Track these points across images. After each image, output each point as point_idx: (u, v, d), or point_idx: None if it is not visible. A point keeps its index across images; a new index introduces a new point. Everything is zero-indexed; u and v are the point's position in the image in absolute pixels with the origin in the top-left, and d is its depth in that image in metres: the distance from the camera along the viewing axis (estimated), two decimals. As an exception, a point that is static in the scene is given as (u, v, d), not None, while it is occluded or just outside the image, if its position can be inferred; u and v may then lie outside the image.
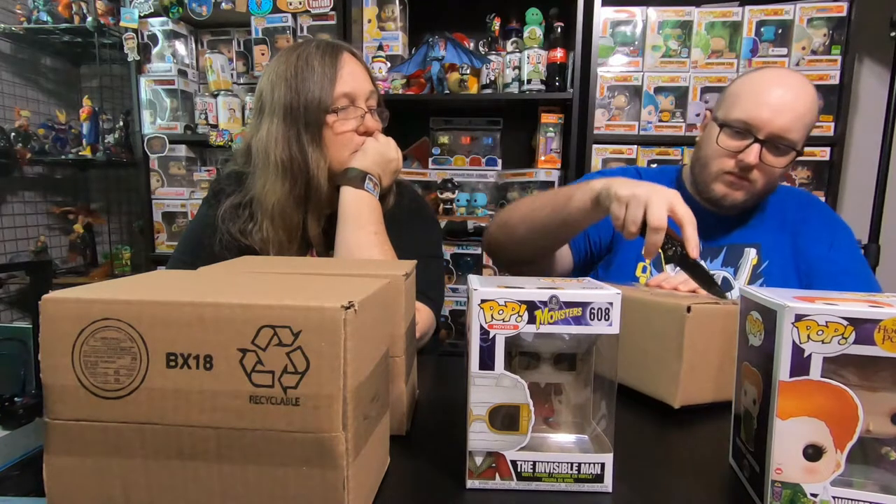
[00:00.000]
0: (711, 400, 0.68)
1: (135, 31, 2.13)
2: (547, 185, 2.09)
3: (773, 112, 0.96)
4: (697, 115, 1.91)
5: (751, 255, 1.06)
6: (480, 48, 2.17)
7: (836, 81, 1.85)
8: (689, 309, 0.64)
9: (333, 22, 2.05)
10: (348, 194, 0.91)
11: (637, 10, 1.92)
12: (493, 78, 2.09)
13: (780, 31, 1.87)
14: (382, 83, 2.03)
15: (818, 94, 1.03)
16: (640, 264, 1.09)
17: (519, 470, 0.48)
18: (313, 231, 0.95)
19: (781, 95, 0.96)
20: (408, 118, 2.21)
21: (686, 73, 1.92)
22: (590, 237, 1.14)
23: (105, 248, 2.54)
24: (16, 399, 0.71)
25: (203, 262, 0.62)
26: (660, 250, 0.75)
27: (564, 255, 1.12)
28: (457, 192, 2.12)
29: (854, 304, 0.42)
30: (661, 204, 0.73)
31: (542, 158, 2.11)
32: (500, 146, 2.27)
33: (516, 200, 1.17)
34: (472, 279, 0.50)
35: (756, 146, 0.97)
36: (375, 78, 1.14)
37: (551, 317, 0.46)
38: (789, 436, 0.43)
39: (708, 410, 0.68)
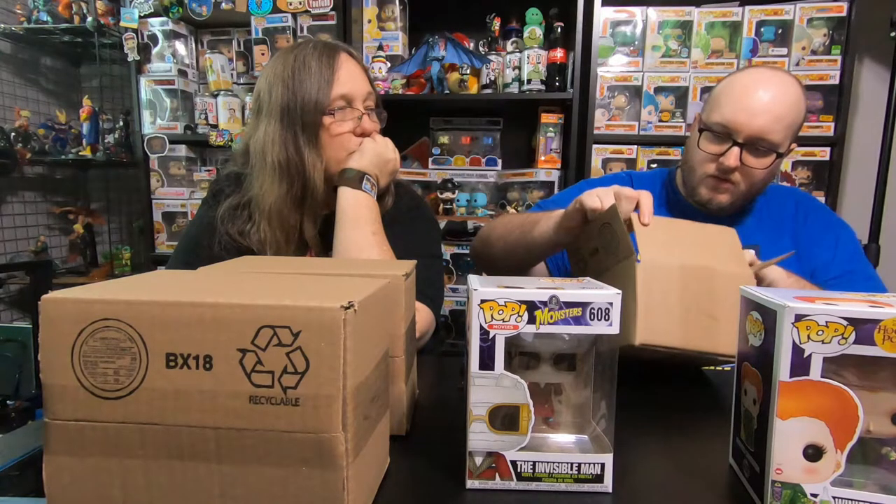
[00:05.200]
0: (679, 345, 0.70)
1: (135, 31, 2.13)
2: (547, 184, 2.09)
3: (751, 115, 0.96)
4: (697, 115, 1.91)
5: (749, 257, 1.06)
6: (480, 48, 2.17)
7: (836, 81, 1.85)
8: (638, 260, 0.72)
9: (333, 22, 2.05)
10: (346, 195, 0.91)
11: (637, 10, 1.92)
12: (493, 78, 2.09)
13: (780, 31, 1.87)
14: (382, 83, 2.03)
15: (809, 92, 1.04)
16: None
17: (519, 470, 0.48)
18: (310, 232, 0.95)
19: (760, 97, 0.97)
20: (408, 118, 2.21)
21: (686, 73, 1.92)
22: (548, 263, 1.17)
23: (105, 248, 2.54)
24: (8, 402, 0.71)
25: (202, 263, 0.62)
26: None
27: (540, 271, 1.17)
28: (457, 192, 2.12)
29: (854, 304, 0.42)
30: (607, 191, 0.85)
31: (542, 158, 2.11)
32: (500, 146, 2.27)
33: (498, 217, 1.24)
34: (472, 279, 0.50)
35: (735, 149, 0.98)
36: (374, 78, 1.14)
37: (551, 317, 0.46)
38: (789, 436, 0.43)
39: (707, 410, 0.68)
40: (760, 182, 1.02)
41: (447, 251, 2.13)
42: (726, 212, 1.06)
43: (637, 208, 0.81)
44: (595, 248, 0.85)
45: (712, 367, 0.93)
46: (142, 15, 2.13)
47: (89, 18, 2.19)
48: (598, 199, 0.82)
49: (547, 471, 0.48)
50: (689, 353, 0.71)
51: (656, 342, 0.69)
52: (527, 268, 1.11)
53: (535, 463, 0.48)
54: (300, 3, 2.04)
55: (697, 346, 0.70)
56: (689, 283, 0.71)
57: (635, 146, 1.96)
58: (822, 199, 1.89)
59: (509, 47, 2.10)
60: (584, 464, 0.48)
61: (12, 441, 0.59)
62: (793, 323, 0.42)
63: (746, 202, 1.07)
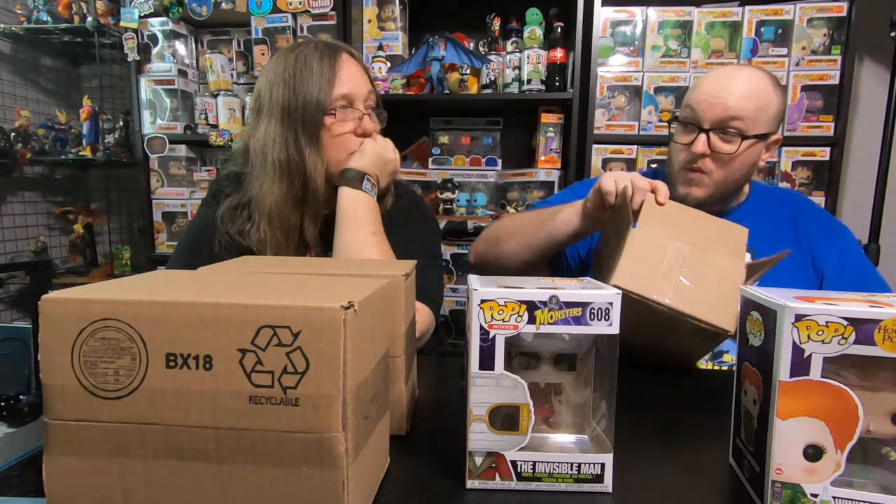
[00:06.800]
0: (652, 297, 0.70)
1: (135, 31, 2.13)
2: (547, 184, 2.09)
3: (715, 98, 0.99)
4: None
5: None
6: (480, 48, 2.17)
7: (836, 81, 1.85)
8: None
9: (333, 22, 2.05)
10: (346, 195, 0.91)
11: (637, 10, 1.92)
12: (493, 78, 2.09)
13: (780, 31, 1.87)
14: (382, 83, 2.03)
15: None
16: None
17: (519, 470, 0.48)
18: (310, 232, 0.95)
19: (724, 84, 1.00)
20: (408, 118, 2.21)
21: (686, 73, 1.92)
22: (566, 252, 1.18)
23: (105, 248, 2.54)
24: (21, 397, 0.71)
25: (202, 263, 0.62)
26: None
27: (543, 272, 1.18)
28: (457, 192, 2.11)
29: (854, 304, 0.42)
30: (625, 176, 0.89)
31: (542, 158, 2.11)
32: (500, 146, 2.27)
33: (500, 218, 1.25)
34: (472, 279, 0.50)
35: (703, 135, 1.00)
36: (375, 78, 1.14)
37: (551, 317, 0.46)
38: (789, 436, 0.43)
39: (707, 410, 0.68)
40: (735, 172, 1.02)
41: (447, 251, 2.13)
42: (707, 210, 1.06)
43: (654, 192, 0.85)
44: (609, 238, 0.88)
45: (710, 367, 0.93)
46: (142, 15, 2.13)
47: (89, 18, 2.19)
48: (613, 182, 0.87)
49: (547, 471, 0.48)
50: (661, 311, 0.70)
51: (630, 288, 0.69)
52: (542, 262, 1.11)
53: (535, 463, 0.48)
54: (300, 3, 2.04)
55: (671, 303, 0.70)
56: (677, 257, 0.74)
57: (635, 146, 1.96)
58: (822, 199, 1.89)
59: (509, 47, 2.10)
60: (584, 464, 0.48)
61: (13, 441, 0.59)
62: (793, 323, 0.42)
63: (727, 198, 1.07)
